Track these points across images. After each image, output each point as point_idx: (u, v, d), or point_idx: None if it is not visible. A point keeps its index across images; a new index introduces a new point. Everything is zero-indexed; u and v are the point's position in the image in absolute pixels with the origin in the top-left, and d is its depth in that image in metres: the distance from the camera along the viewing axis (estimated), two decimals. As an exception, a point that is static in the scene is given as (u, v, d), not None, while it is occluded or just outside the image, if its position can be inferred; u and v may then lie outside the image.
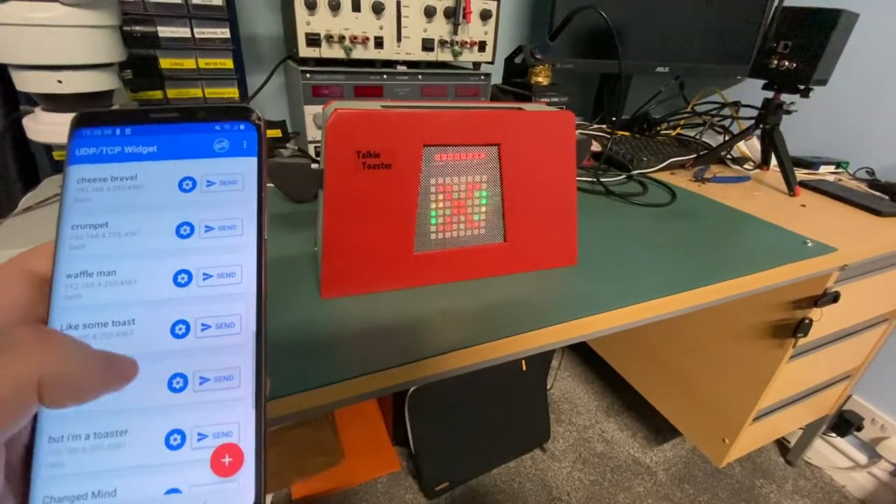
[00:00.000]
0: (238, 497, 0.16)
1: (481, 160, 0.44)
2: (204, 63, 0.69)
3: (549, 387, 1.31)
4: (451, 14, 0.71)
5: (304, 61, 0.68)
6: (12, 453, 0.15)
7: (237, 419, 0.16)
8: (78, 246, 0.17)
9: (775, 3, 0.80)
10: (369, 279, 0.42)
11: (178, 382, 0.16)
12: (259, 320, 0.17)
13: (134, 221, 0.17)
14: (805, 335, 0.72)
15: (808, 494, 1.11)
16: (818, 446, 1.16)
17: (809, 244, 0.60)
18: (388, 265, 0.42)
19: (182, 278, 0.17)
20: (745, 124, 0.90)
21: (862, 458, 1.10)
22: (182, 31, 0.65)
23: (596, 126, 1.07)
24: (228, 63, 0.70)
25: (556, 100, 0.88)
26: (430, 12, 0.70)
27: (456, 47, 0.74)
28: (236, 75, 0.71)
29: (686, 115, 1.07)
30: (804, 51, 0.77)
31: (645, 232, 0.59)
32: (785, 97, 0.81)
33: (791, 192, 0.81)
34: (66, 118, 0.48)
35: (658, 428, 1.26)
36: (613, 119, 1.08)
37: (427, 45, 0.72)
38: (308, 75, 0.66)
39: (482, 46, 0.76)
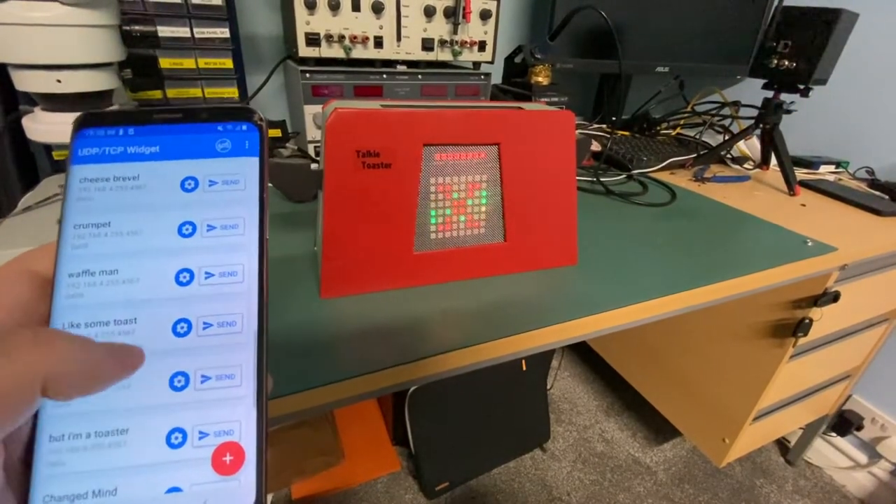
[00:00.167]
0: (239, 496, 0.16)
1: (481, 160, 0.43)
2: (204, 63, 0.68)
3: (549, 387, 1.31)
4: (451, 14, 0.71)
5: (304, 61, 0.68)
6: (11, 453, 0.15)
7: (238, 417, 0.16)
8: (80, 245, 0.17)
9: (775, 3, 0.80)
10: (369, 279, 0.42)
11: (179, 381, 0.16)
12: (260, 319, 0.17)
13: (136, 221, 0.18)
14: (805, 335, 0.72)
15: (808, 494, 1.11)
16: (818, 446, 1.16)
17: (809, 244, 0.60)
18: (387, 265, 0.42)
19: (184, 277, 0.17)
20: (745, 124, 0.90)
21: (862, 458, 1.10)
22: (182, 31, 0.65)
23: (596, 126, 1.07)
24: (228, 63, 0.70)
25: (555, 99, 0.88)
26: (429, 12, 0.70)
27: (456, 47, 0.74)
28: (236, 75, 0.71)
29: (686, 115, 1.07)
30: (804, 50, 0.77)
31: (645, 231, 0.59)
32: (785, 97, 0.81)
33: (791, 191, 0.81)
34: (66, 118, 0.48)
35: (658, 428, 1.26)
36: (613, 119, 1.08)
37: (427, 45, 0.72)
38: (308, 75, 0.66)
39: (482, 46, 0.76)
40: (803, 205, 0.77)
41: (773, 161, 0.90)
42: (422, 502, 1.04)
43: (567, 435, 1.24)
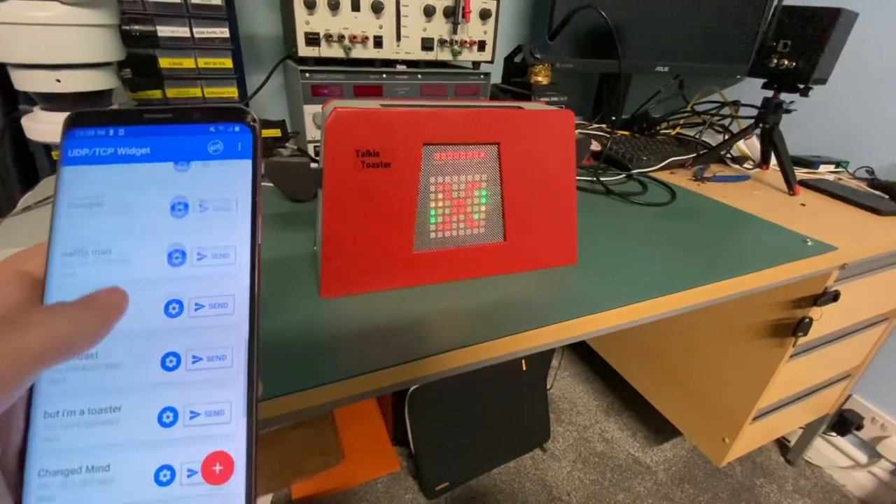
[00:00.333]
0: None
1: (481, 159, 0.43)
2: (203, 62, 0.68)
3: (549, 386, 1.31)
4: (451, 13, 0.71)
5: (304, 61, 0.68)
6: (7, 452, 0.15)
7: (229, 398, 0.17)
8: (69, 259, 0.17)
9: (775, 2, 0.80)
10: (369, 278, 0.42)
11: (171, 361, 0.17)
12: (252, 319, 0.17)
13: (128, 206, 0.18)
14: (805, 334, 0.72)
15: (808, 494, 1.11)
16: (818, 445, 1.16)
17: (809, 243, 0.60)
18: (387, 264, 0.42)
19: (176, 257, 0.18)
20: (745, 123, 0.90)
21: (862, 458, 1.10)
22: (181, 31, 0.65)
23: (595, 125, 1.07)
24: (228, 63, 0.70)
25: (555, 99, 0.88)
26: (429, 11, 0.70)
27: (455, 46, 0.74)
28: (235, 75, 0.71)
29: (686, 115, 1.07)
30: (804, 50, 0.77)
31: (645, 231, 0.59)
32: (784, 96, 0.81)
33: (791, 191, 0.81)
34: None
35: (658, 427, 1.25)
36: (613, 118, 1.08)
37: (426, 45, 0.72)
38: (307, 75, 0.66)
39: (482, 46, 0.76)
40: (803, 204, 0.77)
41: (773, 161, 0.90)
42: (422, 502, 1.04)
43: (567, 435, 1.24)
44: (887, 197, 0.83)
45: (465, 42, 0.74)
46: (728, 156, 0.96)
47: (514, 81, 0.93)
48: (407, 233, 0.42)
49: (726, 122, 1.01)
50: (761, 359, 0.79)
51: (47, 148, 0.62)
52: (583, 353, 1.52)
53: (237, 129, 0.19)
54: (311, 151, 0.71)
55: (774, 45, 0.80)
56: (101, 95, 0.50)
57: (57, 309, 0.15)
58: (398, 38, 0.70)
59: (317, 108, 0.68)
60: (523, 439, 1.16)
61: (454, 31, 0.73)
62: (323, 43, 0.66)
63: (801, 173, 0.90)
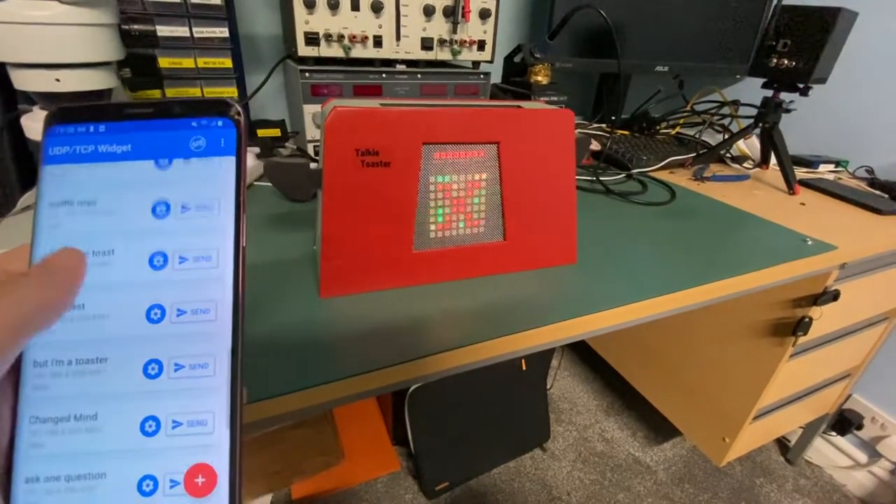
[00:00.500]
0: None
1: (481, 158, 0.43)
2: (203, 62, 0.68)
3: (548, 386, 1.31)
4: (450, 13, 0.71)
5: (303, 60, 0.68)
6: None
7: (212, 408, 0.16)
8: (54, 233, 0.17)
9: (774, 2, 0.80)
10: (368, 278, 0.42)
11: (153, 369, 0.17)
12: (235, 325, 0.17)
13: (109, 207, 0.17)
14: (805, 334, 0.72)
15: (808, 493, 1.11)
16: (818, 445, 1.16)
17: (809, 242, 0.60)
18: (387, 264, 0.42)
19: (158, 260, 0.17)
20: (745, 123, 0.90)
21: (862, 457, 1.10)
22: (181, 31, 0.65)
23: (595, 125, 1.07)
24: (227, 62, 0.70)
25: (555, 99, 0.88)
26: (429, 11, 0.70)
27: (455, 46, 0.74)
28: (235, 74, 0.71)
29: (685, 114, 1.07)
30: (803, 49, 0.77)
31: (644, 230, 0.59)
32: (784, 96, 0.81)
33: (791, 190, 0.81)
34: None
35: (658, 427, 1.25)
36: (613, 118, 1.08)
37: (426, 44, 0.72)
38: (307, 74, 0.66)
39: (481, 45, 0.76)
40: (803, 204, 0.76)
41: (773, 160, 0.90)
42: (422, 502, 1.04)
43: (567, 434, 1.24)
44: (887, 196, 0.83)
45: (465, 42, 0.74)
46: (728, 155, 0.96)
47: (514, 81, 0.93)
48: (406, 232, 0.42)
49: (726, 121, 1.01)
50: (761, 358, 0.79)
51: (47, 148, 0.62)
52: (583, 353, 1.52)
53: (220, 123, 0.18)
54: (310, 151, 0.71)
55: (774, 44, 0.80)
56: (101, 95, 0.50)
57: (19, 280, 0.14)
58: (398, 38, 0.70)
59: (316, 107, 0.68)
60: (523, 439, 1.16)
61: (454, 31, 0.73)
62: (322, 42, 0.66)
63: (800, 173, 0.90)
